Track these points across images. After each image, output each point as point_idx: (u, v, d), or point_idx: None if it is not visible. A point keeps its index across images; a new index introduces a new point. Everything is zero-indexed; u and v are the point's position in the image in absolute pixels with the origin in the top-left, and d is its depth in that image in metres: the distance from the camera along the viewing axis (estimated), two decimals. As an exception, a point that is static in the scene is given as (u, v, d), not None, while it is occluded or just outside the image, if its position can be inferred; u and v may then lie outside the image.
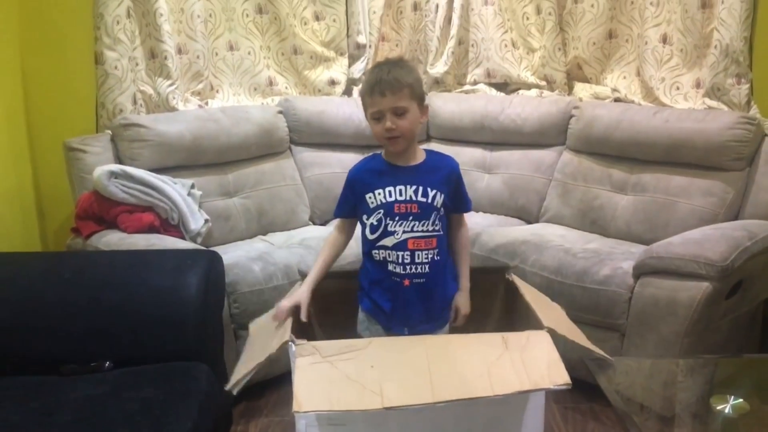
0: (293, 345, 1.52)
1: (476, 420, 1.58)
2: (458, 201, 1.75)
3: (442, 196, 1.68)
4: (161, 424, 1.49)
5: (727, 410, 1.43)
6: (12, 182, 2.73)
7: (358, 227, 1.78)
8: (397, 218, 1.66)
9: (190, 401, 1.61)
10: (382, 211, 1.66)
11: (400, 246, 1.66)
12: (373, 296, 1.73)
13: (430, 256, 1.68)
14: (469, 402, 1.44)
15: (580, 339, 1.65)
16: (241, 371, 1.53)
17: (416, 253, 1.66)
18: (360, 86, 1.72)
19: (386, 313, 1.72)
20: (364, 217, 1.69)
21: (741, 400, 1.43)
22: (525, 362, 1.48)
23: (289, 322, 1.62)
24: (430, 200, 1.67)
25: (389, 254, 1.67)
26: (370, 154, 1.79)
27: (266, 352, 1.51)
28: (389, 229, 1.66)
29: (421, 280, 1.68)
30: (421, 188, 1.67)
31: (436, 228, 1.68)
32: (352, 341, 1.56)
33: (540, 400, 1.61)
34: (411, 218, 1.66)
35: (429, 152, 1.75)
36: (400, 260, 1.67)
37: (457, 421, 1.57)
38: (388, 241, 1.67)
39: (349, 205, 1.74)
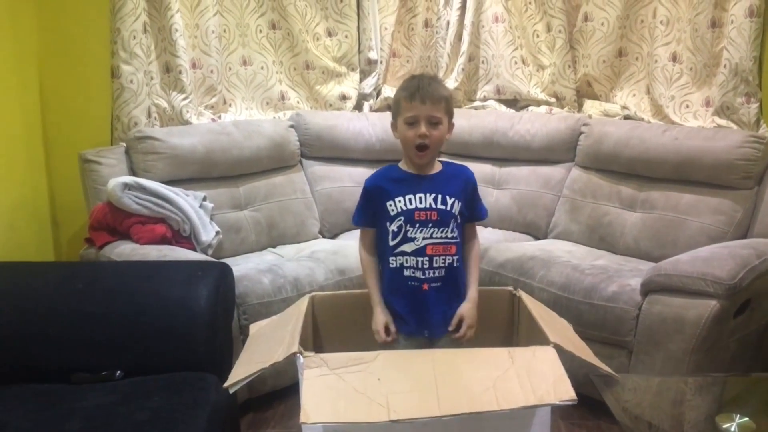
0: (301, 357, 1.53)
1: (482, 434, 1.58)
2: (474, 209, 1.81)
3: (460, 204, 1.74)
4: (170, 433, 1.51)
5: (732, 428, 1.43)
6: (28, 192, 2.78)
7: None
8: (417, 225, 1.70)
9: (198, 411, 1.63)
10: (402, 218, 1.71)
11: (420, 252, 1.71)
12: (392, 305, 1.76)
13: (447, 261, 1.73)
14: (476, 416, 1.45)
15: (586, 355, 1.66)
16: (241, 373, 1.55)
17: (434, 258, 1.71)
18: (397, 92, 1.76)
19: (406, 319, 1.76)
20: (387, 224, 1.73)
21: (747, 418, 1.43)
22: (531, 377, 1.49)
23: (297, 332, 1.63)
24: (448, 208, 1.72)
25: (407, 260, 1.72)
26: (384, 165, 1.82)
27: (272, 360, 1.53)
28: (409, 235, 1.71)
29: (438, 284, 1.73)
30: (440, 196, 1.72)
31: (454, 235, 1.73)
32: (359, 354, 1.57)
33: (546, 415, 1.61)
34: (431, 225, 1.71)
35: (445, 162, 1.81)
36: (419, 265, 1.71)
37: (462, 435, 1.58)
38: (408, 247, 1.71)
39: (368, 214, 1.78)
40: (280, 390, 2.38)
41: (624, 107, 3.10)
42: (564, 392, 1.44)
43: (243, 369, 1.62)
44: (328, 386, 1.48)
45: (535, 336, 1.70)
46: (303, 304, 1.86)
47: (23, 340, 1.81)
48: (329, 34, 3.35)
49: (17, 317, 1.84)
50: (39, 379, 1.77)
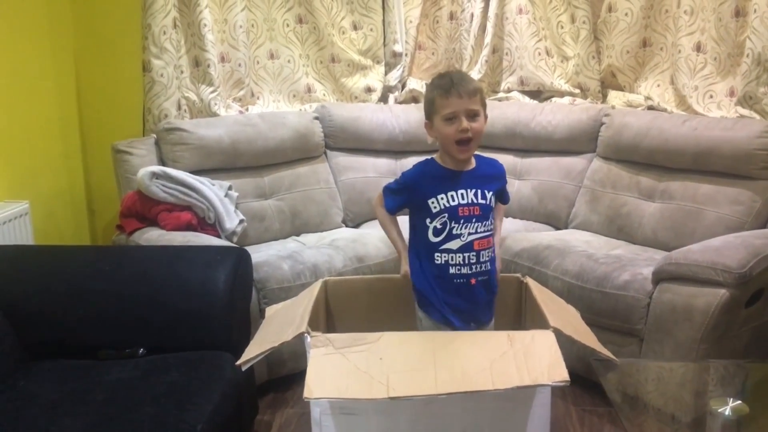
0: (308, 336, 1.61)
1: (482, 415, 1.63)
2: (502, 197, 1.89)
3: (494, 196, 1.80)
4: (184, 405, 1.61)
5: (726, 412, 1.45)
6: (65, 182, 2.92)
7: None
8: (462, 221, 1.73)
9: (213, 386, 1.72)
10: (446, 214, 1.73)
11: (466, 248, 1.74)
12: (439, 303, 1.78)
13: (490, 254, 1.78)
14: (475, 396, 1.50)
15: (587, 340, 1.69)
16: (253, 351, 1.63)
17: (481, 252, 1.75)
18: (429, 91, 1.76)
19: (451, 320, 1.78)
20: (427, 221, 1.75)
21: (740, 402, 1.45)
22: (527, 359, 1.53)
23: (307, 314, 1.70)
24: (488, 202, 1.77)
25: (453, 257, 1.74)
26: (423, 159, 1.84)
27: (281, 339, 1.61)
28: (454, 232, 1.73)
29: (485, 277, 1.78)
30: (479, 191, 1.76)
31: (491, 226, 1.79)
32: (363, 335, 1.64)
33: (546, 398, 1.66)
34: (474, 220, 1.74)
35: (477, 156, 1.84)
36: (466, 261, 1.74)
37: (463, 416, 1.63)
38: (453, 245, 1.74)
39: (404, 206, 1.82)
40: (299, 372, 2.45)
41: (648, 98, 3.09)
42: (558, 374, 1.48)
43: (255, 348, 1.70)
44: (333, 364, 1.55)
45: (539, 321, 1.74)
46: (315, 288, 1.93)
47: (55, 319, 1.93)
48: (355, 28, 3.41)
49: (50, 297, 1.95)
50: (68, 354, 1.89)
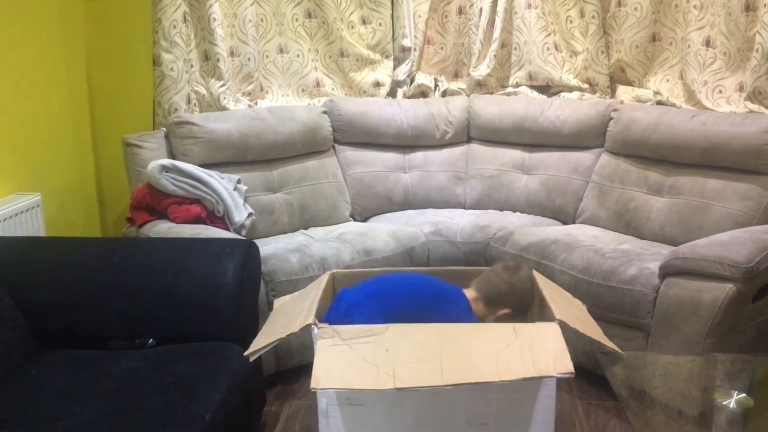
0: (315, 328, 1.63)
1: (488, 406, 1.64)
2: None
3: None
4: (192, 395, 1.63)
5: (731, 405, 1.45)
6: (76, 175, 2.95)
7: None
8: None
9: (221, 377, 1.73)
10: None
11: None
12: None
13: None
14: (480, 388, 1.51)
15: (592, 333, 1.70)
16: (261, 342, 1.65)
17: None
18: (529, 299, 1.98)
19: None
20: None
21: (744, 395, 1.46)
22: (532, 351, 1.54)
23: (314, 306, 1.72)
24: None
25: None
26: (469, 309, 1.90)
27: (288, 330, 1.62)
28: None
29: None
30: None
31: None
32: (370, 326, 1.65)
33: (551, 389, 1.66)
34: None
35: None
36: None
37: (469, 407, 1.64)
38: None
39: None
40: (306, 364, 2.46)
41: (657, 93, 3.09)
42: (563, 366, 1.49)
43: (262, 339, 1.72)
44: (340, 355, 1.57)
45: (546, 314, 1.75)
46: (323, 280, 1.95)
47: (65, 310, 1.95)
48: (363, 22, 3.42)
49: (61, 288, 1.97)
50: (78, 345, 1.91)
